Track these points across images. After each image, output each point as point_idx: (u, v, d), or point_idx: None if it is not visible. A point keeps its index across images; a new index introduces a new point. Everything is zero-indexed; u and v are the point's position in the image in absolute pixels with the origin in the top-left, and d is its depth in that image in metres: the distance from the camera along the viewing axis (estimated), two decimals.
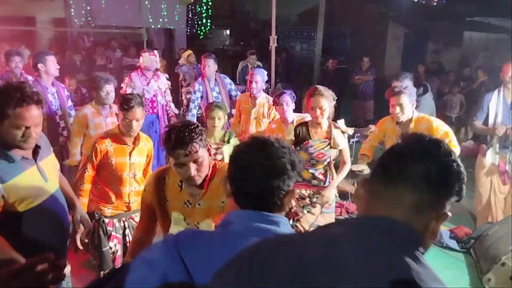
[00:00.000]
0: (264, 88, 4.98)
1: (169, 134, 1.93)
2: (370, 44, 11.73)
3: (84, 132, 3.87)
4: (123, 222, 3.25)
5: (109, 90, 3.87)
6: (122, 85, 5.23)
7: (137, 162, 3.09)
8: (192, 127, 1.94)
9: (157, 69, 5.40)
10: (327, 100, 3.33)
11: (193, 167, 1.93)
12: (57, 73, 4.39)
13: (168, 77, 5.63)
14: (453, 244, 4.24)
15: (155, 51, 5.46)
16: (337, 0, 13.47)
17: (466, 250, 4.20)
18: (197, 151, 1.91)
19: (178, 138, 1.89)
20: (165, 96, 5.42)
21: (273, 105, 4.18)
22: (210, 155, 2.11)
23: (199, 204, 2.05)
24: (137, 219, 2.89)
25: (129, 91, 4.94)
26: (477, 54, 12.12)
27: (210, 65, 5.24)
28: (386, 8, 12.78)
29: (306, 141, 3.44)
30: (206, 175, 2.02)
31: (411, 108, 3.47)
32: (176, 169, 1.97)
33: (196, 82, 5.43)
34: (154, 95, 5.27)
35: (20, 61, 4.87)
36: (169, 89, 5.56)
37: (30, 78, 4.94)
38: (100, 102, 3.89)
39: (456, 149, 3.35)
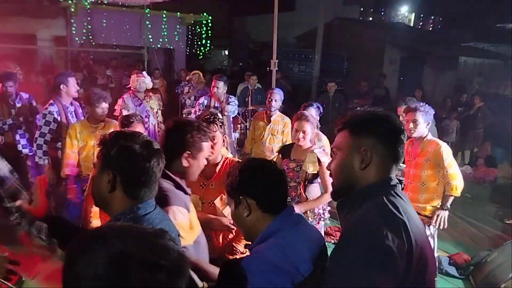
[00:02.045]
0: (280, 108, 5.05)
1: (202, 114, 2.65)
2: (366, 67, 11.89)
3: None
4: None
5: (104, 107, 3.93)
6: (115, 107, 5.15)
7: None
8: (218, 116, 2.61)
9: (154, 89, 5.41)
10: (311, 126, 3.47)
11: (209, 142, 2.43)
12: (76, 95, 4.45)
13: (160, 97, 5.64)
14: (452, 270, 4.25)
15: (144, 73, 5.43)
16: (335, 24, 13.72)
17: (465, 276, 4.21)
18: (215, 131, 2.48)
19: (206, 116, 2.57)
20: (157, 117, 5.45)
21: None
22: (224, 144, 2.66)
23: (212, 185, 2.53)
24: None
25: (124, 112, 4.93)
26: (472, 78, 12.31)
27: (220, 87, 5.32)
28: (383, 32, 13.02)
29: (285, 159, 3.60)
30: (219, 162, 2.57)
31: (425, 126, 3.56)
32: None
33: (204, 97, 5.56)
34: (146, 116, 5.28)
35: (13, 85, 4.85)
36: (161, 109, 5.58)
37: (25, 95, 4.95)
38: (95, 118, 3.96)
39: (456, 181, 3.46)
